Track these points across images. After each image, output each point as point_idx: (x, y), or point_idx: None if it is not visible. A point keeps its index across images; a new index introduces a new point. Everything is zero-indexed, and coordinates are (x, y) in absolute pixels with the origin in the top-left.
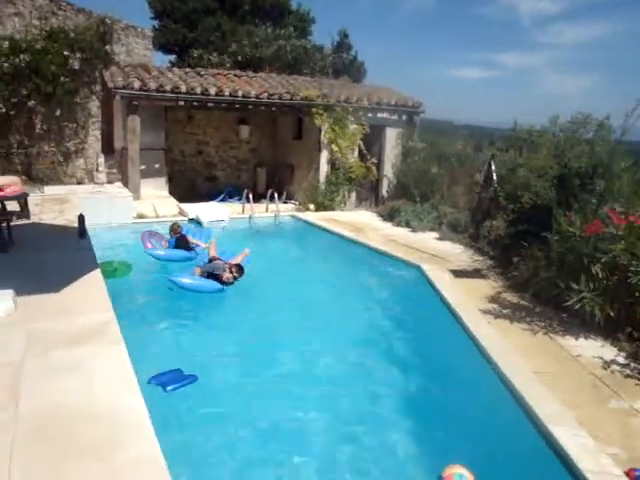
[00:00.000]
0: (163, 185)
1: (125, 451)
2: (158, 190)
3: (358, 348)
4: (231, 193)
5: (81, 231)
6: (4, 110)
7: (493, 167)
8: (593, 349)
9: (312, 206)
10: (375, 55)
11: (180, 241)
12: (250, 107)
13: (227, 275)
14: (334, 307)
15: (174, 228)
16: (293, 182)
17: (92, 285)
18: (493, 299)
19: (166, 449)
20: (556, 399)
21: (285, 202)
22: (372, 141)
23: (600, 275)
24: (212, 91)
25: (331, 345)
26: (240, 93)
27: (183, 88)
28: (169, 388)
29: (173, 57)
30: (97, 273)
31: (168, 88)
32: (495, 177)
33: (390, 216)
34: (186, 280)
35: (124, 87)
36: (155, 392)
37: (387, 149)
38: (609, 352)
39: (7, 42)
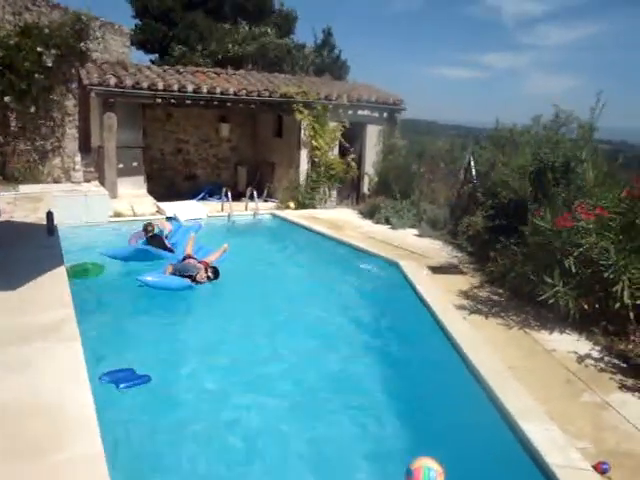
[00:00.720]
0: (141, 184)
1: (67, 449)
2: (136, 189)
3: (322, 345)
4: (211, 192)
5: (49, 228)
6: None
7: (472, 163)
8: (568, 343)
9: (292, 204)
10: (361, 55)
11: (154, 240)
12: (229, 104)
13: (202, 275)
14: (304, 303)
15: (146, 228)
16: (274, 180)
17: (54, 282)
18: (469, 295)
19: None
20: (528, 394)
21: (266, 200)
22: (353, 139)
23: (573, 269)
24: (190, 88)
25: (292, 340)
26: (218, 90)
27: (160, 85)
28: (122, 386)
29: (154, 56)
30: (61, 270)
31: (145, 85)
32: (474, 173)
33: (370, 213)
34: (153, 278)
35: (100, 84)
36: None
37: (368, 147)
38: (584, 346)
39: None
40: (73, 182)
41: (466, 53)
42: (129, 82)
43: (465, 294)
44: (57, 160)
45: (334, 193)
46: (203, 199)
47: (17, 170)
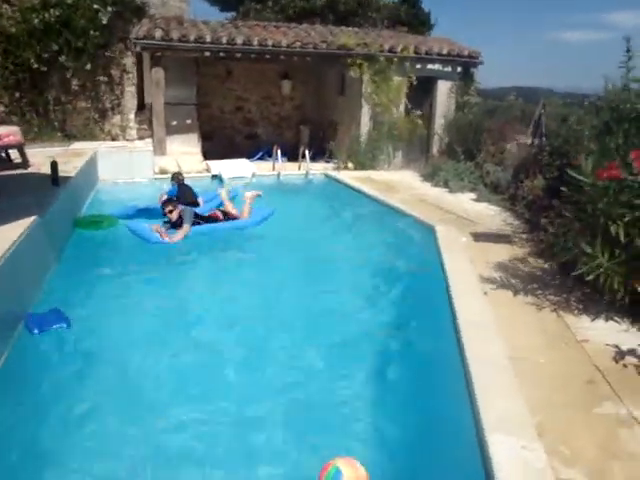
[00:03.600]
0: (195, 142)
1: None
2: (189, 147)
3: (315, 310)
4: (269, 151)
5: (53, 179)
6: (36, 66)
7: (543, 119)
8: (609, 334)
9: (351, 165)
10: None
11: (182, 191)
12: (282, 57)
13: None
14: (316, 261)
15: (176, 176)
16: (336, 140)
17: (7, 229)
18: (507, 267)
19: None
20: (522, 396)
21: (327, 161)
22: (423, 96)
23: (622, 238)
24: (239, 41)
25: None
26: (270, 42)
27: (208, 38)
28: (35, 331)
29: (230, 14)
30: (29, 220)
31: (192, 38)
32: (544, 130)
33: (431, 176)
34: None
35: (144, 37)
36: None
37: (438, 104)
38: (631, 339)
39: None
40: (127, 140)
41: (589, 12)
42: (175, 35)
43: (501, 266)
44: (116, 118)
45: (399, 154)
46: (261, 158)
47: (76, 128)
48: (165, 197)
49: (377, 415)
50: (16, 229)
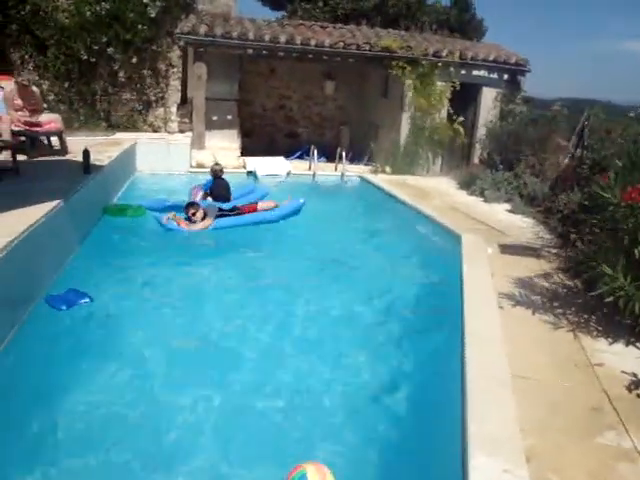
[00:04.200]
0: (234, 137)
1: None
2: (229, 142)
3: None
4: (309, 151)
5: (85, 166)
6: (85, 57)
7: (586, 131)
8: (627, 359)
9: (388, 169)
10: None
11: (216, 185)
12: (325, 57)
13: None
14: (331, 264)
15: (213, 169)
16: (377, 143)
17: (27, 213)
18: (530, 282)
19: None
20: (514, 418)
21: (367, 164)
22: (467, 102)
23: None
24: (282, 39)
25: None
26: (313, 42)
27: (251, 35)
28: (63, 307)
29: (281, 13)
30: (50, 204)
31: (235, 35)
32: (586, 142)
33: (467, 184)
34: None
35: (189, 32)
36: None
37: (482, 112)
38: None
39: None
40: (169, 132)
41: None
42: (219, 31)
43: (524, 280)
44: (160, 110)
45: (438, 161)
46: (300, 157)
47: (120, 118)
48: (200, 192)
49: (358, 424)
50: (38, 212)
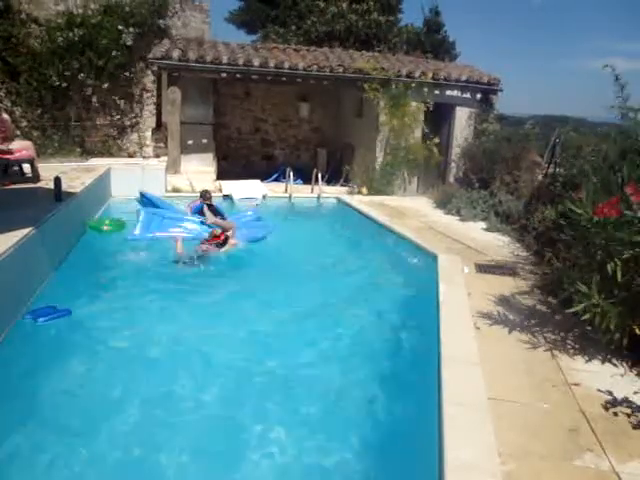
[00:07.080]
0: (210, 161)
1: None
2: (205, 166)
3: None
4: (284, 173)
5: (56, 194)
6: (57, 83)
7: (557, 149)
8: (604, 378)
9: (365, 190)
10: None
11: (211, 209)
12: (299, 80)
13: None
14: (305, 285)
15: (203, 194)
16: (353, 164)
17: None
18: (506, 300)
19: None
20: (493, 442)
21: (343, 185)
22: (440, 122)
23: (619, 277)
24: (256, 63)
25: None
26: (286, 65)
27: (224, 59)
28: (41, 320)
29: (256, 36)
30: (17, 233)
31: (208, 59)
32: (558, 160)
33: (444, 203)
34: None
35: (162, 57)
36: None
37: (456, 131)
38: (627, 386)
39: (65, 17)
40: (144, 157)
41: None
42: (192, 55)
43: (501, 299)
44: (134, 135)
45: (414, 180)
46: (277, 180)
47: (94, 144)
48: (190, 209)
49: (332, 449)
50: (7, 240)
